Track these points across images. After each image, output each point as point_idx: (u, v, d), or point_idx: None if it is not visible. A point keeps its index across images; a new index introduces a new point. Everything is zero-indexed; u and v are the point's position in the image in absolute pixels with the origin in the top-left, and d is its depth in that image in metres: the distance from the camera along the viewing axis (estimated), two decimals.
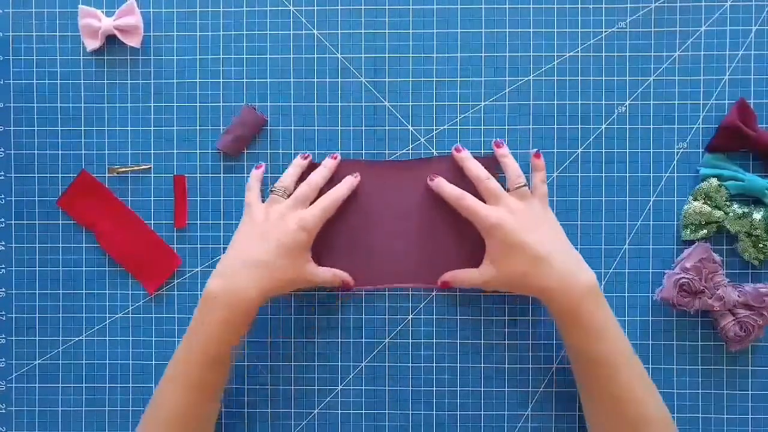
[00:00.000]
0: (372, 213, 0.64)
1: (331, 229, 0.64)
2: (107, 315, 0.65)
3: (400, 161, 0.64)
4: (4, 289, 0.66)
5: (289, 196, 0.61)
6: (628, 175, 0.64)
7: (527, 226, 0.58)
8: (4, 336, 0.66)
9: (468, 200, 0.60)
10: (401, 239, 0.64)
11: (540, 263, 0.57)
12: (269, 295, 0.58)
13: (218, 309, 0.56)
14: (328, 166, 0.63)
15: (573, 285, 0.56)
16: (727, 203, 0.62)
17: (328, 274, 0.62)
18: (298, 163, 0.63)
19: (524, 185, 0.60)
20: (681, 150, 0.64)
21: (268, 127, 0.65)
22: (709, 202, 0.63)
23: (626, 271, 0.64)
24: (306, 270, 0.60)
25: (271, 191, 0.61)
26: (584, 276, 0.57)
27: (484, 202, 0.60)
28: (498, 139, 0.63)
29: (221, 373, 0.58)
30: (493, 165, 0.63)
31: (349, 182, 0.63)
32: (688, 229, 0.63)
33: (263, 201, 0.62)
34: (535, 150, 0.62)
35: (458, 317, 0.65)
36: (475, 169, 0.61)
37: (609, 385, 0.56)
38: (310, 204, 0.61)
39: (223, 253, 0.64)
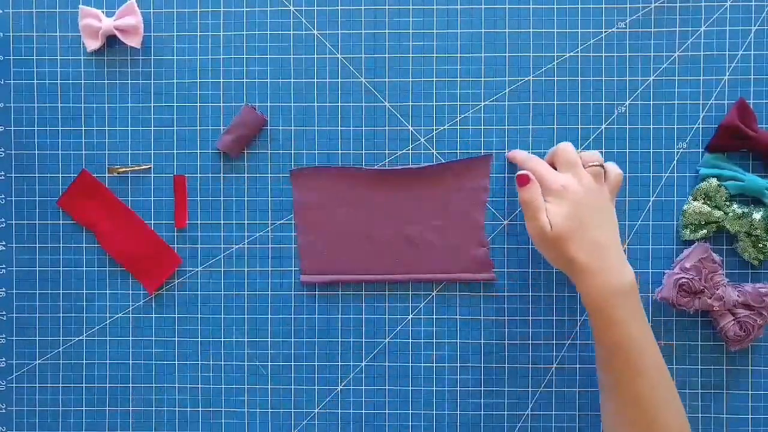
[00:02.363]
0: (371, 211, 0.64)
1: (333, 225, 0.64)
2: (107, 315, 0.65)
3: (397, 169, 0.65)
4: (4, 289, 0.66)
5: None
6: (628, 175, 0.64)
7: (589, 205, 0.56)
8: (4, 336, 0.66)
9: (535, 162, 0.59)
10: (399, 235, 0.64)
11: (590, 245, 0.55)
12: None
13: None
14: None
15: (614, 279, 0.55)
16: (727, 203, 0.62)
17: None
18: None
19: (600, 165, 0.58)
20: (681, 150, 0.64)
21: (268, 127, 0.65)
22: (708, 202, 0.63)
23: None
24: None
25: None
26: (628, 275, 0.56)
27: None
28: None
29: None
30: (486, 165, 0.63)
31: None
32: (688, 229, 0.63)
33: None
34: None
35: (458, 317, 0.65)
36: (561, 145, 0.59)
37: (631, 387, 0.55)
38: None
39: (224, 253, 0.65)
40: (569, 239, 0.55)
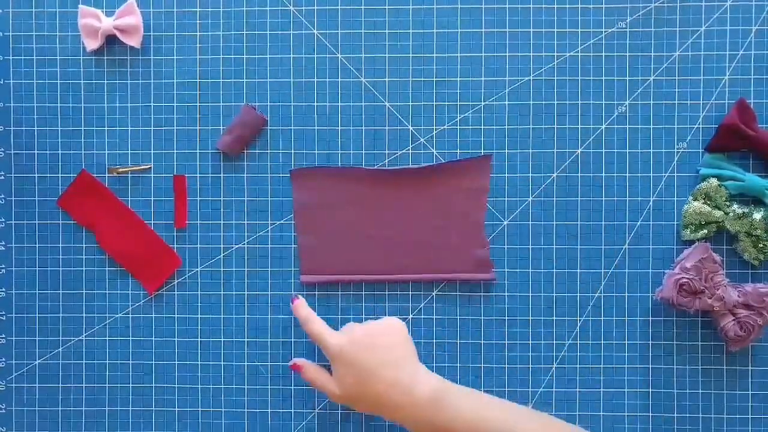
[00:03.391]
0: (371, 211, 0.64)
1: (333, 225, 0.64)
2: (107, 315, 0.65)
3: (396, 169, 0.65)
4: (4, 289, 0.66)
5: None
6: (628, 175, 0.64)
7: (366, 346, 0.57)
8: (4, 336, 0.66)
9: (315, 325, 0.60)
10: (399, 235, 0.64)
11: (380, 382, 0.56)
12: None
13: None
14: None
15: (414, 397, 0.56)
16: (727, 203, 0.62)
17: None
18: None
19: None
20: (681, 150, 0.64)
21: (268, 127, 0.65)
22: (709, 202, 0.63)
23: (626, 271, 0.64)
24: None
25: None
26: (424, 383, 0.56)
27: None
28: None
29: None
30: (486, 165, 0.63)
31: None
32: (688, 229, 0.63)
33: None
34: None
35: (458, 317, 0.65)
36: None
37: None
38: None
39: (224, 253, 0.65)
40: (356, 396, 0.58)
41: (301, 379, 0.65)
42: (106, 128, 0.65)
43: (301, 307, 0.62)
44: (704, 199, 0.63)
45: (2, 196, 0.66)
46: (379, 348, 0.58)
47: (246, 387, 0.65)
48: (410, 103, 0.65)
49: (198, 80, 0.65)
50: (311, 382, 0.60)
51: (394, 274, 0.64)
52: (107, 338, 0.65)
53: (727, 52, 0.64)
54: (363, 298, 0.65)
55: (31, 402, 0.66)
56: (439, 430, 0.56)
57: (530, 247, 0.64)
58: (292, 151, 0.65)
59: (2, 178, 0.66)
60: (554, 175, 0.64)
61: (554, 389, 0.64)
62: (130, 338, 0.65)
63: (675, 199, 0.64)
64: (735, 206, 0.62)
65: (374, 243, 0.64)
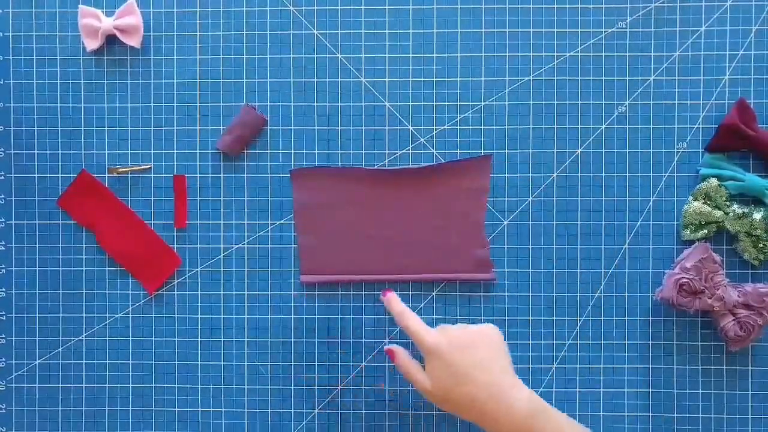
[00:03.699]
0: (371, 211, 0.64)
1: (333, 225, 0.64)
2: (107, 315, 0.65)
3: (396, 169, 0.65)
4: (4, 289, 0.66)
5: None
6: (628, 175, 0.64)
7: (465, 347, 0.56)
8: (4, 336, 0.66)
9: (410, 320, 0.58)
10: (399, 235, 0.64)
11: (477, 387, 0.55)
12: None
13: None
14: None
15: (512, 408, 0.54)
16: (727, 203, 0.62)
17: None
18: None
19: None
20: (681, 150, 0.64)
21: (268, 127, 0.65)
22: (709, 202, 0.63)
23: (626, 271, 0.64)
24: None
25: None
26: (522, 397, 0.55)
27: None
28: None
29: None
30: (486, 165, 0.64)
31: None
32: (688, 229, 0.63)
33: None
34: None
35: (458, 317, 0.65)
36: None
37: None
38: None
39: (224, 253, 0.65)
40: (447, 395, 0.56)
41: (301, 379, 0.65)
42: (106, 128, 0.65)
43: (396, 302, 0.60)
44: (704, 199, 0.63)
45: (2, 196, 0.66)
46: (478, 351, 0.56)
47: (246, 387, 0.65)
48: (410, 103, 0.65)
49: (198, 80, 0.65)
50: (403, 370, 0.59)
51: (394, 274, 0.64)
52: (107, 338, 0.65)
53: (727, 52, 0.64)
54: (363, 298, 0.65)
55: (31, 402, 0.66)
56: None
57: (530, 247, 0.64)
58: (292, 151, 0.65)
59: (2, 178, 0.66)
60: (554, 175, 0.64)
61: (554, 389, 0.64)
62: (130, 338, 0.65)
63: (675, 199, 0.64)
64: (735, 206, 0.62)
65: (374, 243, 0.64)
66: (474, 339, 0.57)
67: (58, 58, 0.65)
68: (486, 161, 0.64)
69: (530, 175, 0.64)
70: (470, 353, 0.56)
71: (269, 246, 0.65)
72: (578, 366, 0.64)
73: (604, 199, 0.64)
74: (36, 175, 0.65)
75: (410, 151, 0.65)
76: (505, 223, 0.65)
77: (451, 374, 0.55)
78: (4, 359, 0.66)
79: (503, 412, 0.54)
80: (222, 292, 0.65)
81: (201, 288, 0.65)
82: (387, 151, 0.65)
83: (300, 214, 0.65)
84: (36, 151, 0.65)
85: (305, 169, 0.64)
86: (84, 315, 0.65)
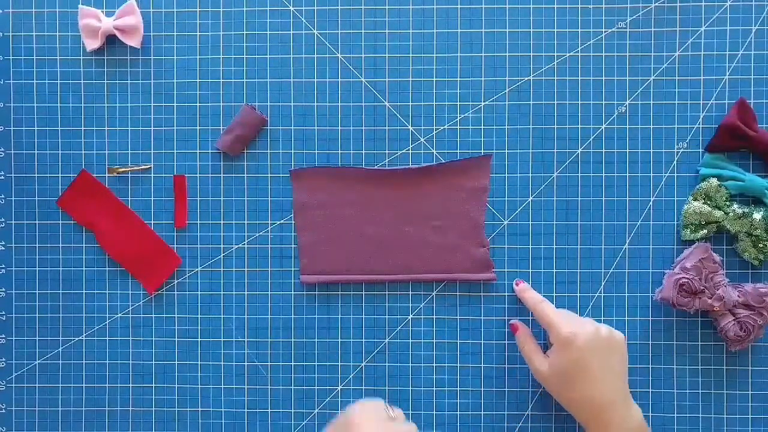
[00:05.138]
0: (371, 211, 0.64)
1: (333, 225, 0.64)
2: (107, 315, 0.65)
3: (397, 169, 0.65)
4: (4, 289, 0.66)
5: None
6: (628, 175, 0.64)
7: (597, 351, 0.56)
8: (4, 336, 0.66)
9: (547, 307, 0.59)
10: (395, 234, 0.64)
11: (596, 396, 0.56)
12: None
13: None
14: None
15: (623, 424, 0.56)
16: (727, 203, 0.62)
17: None
18: None
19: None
20: (681, 150, 0.64)
21: (268, 127, 0.65)
22: (709, 202, 0.63)
23: (626, 271, 0.64)
24: None
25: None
26: (634, 417, 0.56)
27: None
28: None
29: None
30: (486, 165, 0.63)
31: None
32: (688, 229, 0.63)
33: None
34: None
35: (458, 317, 0.65)
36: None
37: None
38: None
39: (224, 253, 0.65)
40: (563, 390, 0.57)
41: (301, 379, 0.65)
42: (106, 128, 0.65)
43: (531, 290, 0.62)
44: (704, 199, 0.63)
45: (2, 196, 0.66)
46: (611, 356, 0.57)
47: (246, 387, 0.65)
48: (410, 103, 0.65)
49: (198, 80, 0.65)
50: (522, 346, 0.61)
51: (394, 274, 0.64)
52: (107, 338, 0.65)
53: (727, 52, 0.64)
54: (363, 298, 0.65)
55: (31, 402, 0.66)
56: None
57: (530, 247, 0.64)
58: (292, 151, 0.65)
59: (2, 178, 0.66)
60: (554, 175, 0.64)
61: None
62: (130, 338, 0.65)
63: (675, 199, 0.64)
64: (735, 206, 0.62)
65: (374, 243, 0.64)
66: (610, 344, 0.57)
67: (58, 58, 0.65)
68: (486, 161, 0.64)
69: (530, 175, 0.64)
70: (604, 356, 0.57)
71: (269, 246, 0.65)
72: None
73: (604, 199, 0.64)
74: (36, 175, 0.65)
75: (410, 151, 0.65)
76: (505, 223, 0.65)
77: (580, 369, 0.56)
78: (4, 359, 0.66)
79: (616, 423, 0.55)
80: (222, 292, 0.65)
81: (201, 288, 0.65)
82: (387, 151, 0.65)
83: (300, 214, 0.65)
84: (36, 151, 0.65)
85: (305, 169, 0.64)
86: (84, 315, 0.65)
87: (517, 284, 0.63)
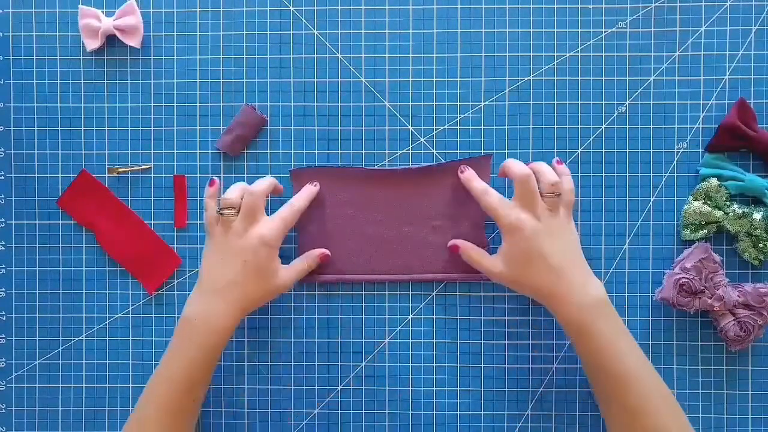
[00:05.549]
0: (372, 211, 0.64)
1: (333, 225, 0.64)
2: (107, 315, 0.65)
3: (397, 168, 0.65)
4: (4, 289, 0.66)
5: (238, 212, 0.59)
6: (628, 175, 0.64)
7: (545, 234, 0.57)
8: (4, 336, 0.66)
9: (491, 197, 0.59)
10: (395, 234, 0.64)
11: (551, 272, 0.57)
12: (245, 314, 0.59)
13: (195, 334, 0.57)
14: (271, 182, 0.61)
15: (581, 297, 0.56)
16: (727, 203, 0.62)
17: (302, 266, 0.62)
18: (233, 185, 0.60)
19: (557, 195, 0.58)
20: (681, 150, 0.64)
21: (268, 127, 0.65)
22: (709, 202, 0.63)
23: (626, 271, 0.64)
24: (278, 280, 0.59)
25: (219, 213, 0.58)
26: (593, 289, 0.57)
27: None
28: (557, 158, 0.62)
29: (200, 396, 0.59)
30: (487, 165, 0.63)
31: (307, 191, 0.62)
32: (688, 229, 0.63)
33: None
34: (557, 159, 0.61)
35: (458, 317, 0.65)
36: (517, 168, 0.59)
37: (622, 397, 0.55)
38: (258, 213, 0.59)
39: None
40: (518, 277, 0.58)
41: (301, 379, 0.65)
42: (106, 128, 0.65)
43: (476, 178, 0.61)
44: (704, 199, 0.63)
45: (2, 196, 0.66)
46: (560, 235, 0.58)
47: (246, 387, 0.65)
48: (410, 103, 0.65)
49: (198, 80, 0.65)
50: (468, 258, 0.62)
51: (394, 274, 0.64)
52: (107, 338, 0.65)
53: (727, 52, 0.64)
54: (363, 298, 0.65)
55: (31, 402, 0.66)
56: (593, 336, 0.56)
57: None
58: (292, 151, 0.65)
59: (2, 178, 0.66)
60: None
61: (554, 389, 0.64)
62: (130, 338, 0.65)
63: (675, 199, 0.64)
64: (735, 206, 0.62)
65: (374, 243, 0.64)
66: (559, 224, 0.58)
67: (58, 58, 0.65)
68: (486, 161, 0.64)
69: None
70: (554, 236, 0.57)
71: None
72: (578, 366, 0.64)
73: (604, 199, 0.64)
74: (36, 175, 0.65)
75: (410, 151, 0.65)
76: None
77: (532, 254, 0.57)
78: (4, 359, 0.66)
79: (575, 301, 0.56)
80: None
81: None
82: (387, 151, 0.65)
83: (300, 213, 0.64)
84: (36, 151, 0.65)
85: (305, 169, 0.64)
86: (84, 315, 0.65)
87: (461, 172, 0.62)
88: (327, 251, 0.63)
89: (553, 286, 0.57)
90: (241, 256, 0.58)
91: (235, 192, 0.59)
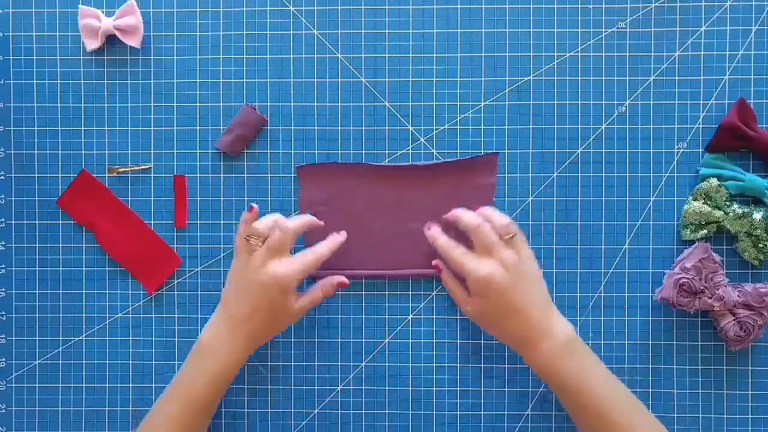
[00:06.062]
0: (378, 207, 0.64)
1: (338, 222, 0.64)
2: (107, 315, 0.65)
3: (403, 165, 0.65)
4: (4, 289, 0.66)
5: (263, 241, 0.58)
6: (628, 175, 0.64)
7: (513, 285, 0.57)
8: (4, 336, 0.66)
9: (455, 253, 0.59)
10: (400, 230, 0.64)
11: (520, 323, 0.57)
12: (253, 349, 0.59)
13: (204, 360, 0.58)
14: (309, 222, 0.61)
15: (549, 341, 0.56)
16: (727, 203, 0.62)
17: (316, 295, 0.60)
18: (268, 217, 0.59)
19: (514, 234, 0.58)
20: (681, 150, 0.64)
21: (268, 127, 0.65)
22: (709, 202, 0.63)
23: (626, 271, 0.64)
24: (288, 318, 0.59)
25: (246, 239, 0.57)
26: (560, 331, 0.57)
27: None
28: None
29: (211, 413, 0.60)
30: (494, 163, 0.63)
31: (333, 241, 0.61)
32: (688, 229, 0.63)
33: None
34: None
35: (458, 317, 0.65)
36: (467, 218, 0.59)
37: (598, 429, 0.56)
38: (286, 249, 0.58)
39: (224, 253, 0.65)
40: (488, 327, 0.60)
41: (301, 379, 0.65)
42: (106, 128, 0.65)
43: (442, 235, 0.61)
44: (704, 199, 0.63)
45: (2, 196, 0.66)
46: (526, 285, 0.57)
47: (246, 387, 0.65)
48: (410, 103, 0.65)
49: (198, 80, 0.65)
50: (446, 286, 0.62)
51: (398, 270, 0.64)
52: (107, 338, 0.65)
53: (727, 52, 0.64)
54: (363, 298, 0.65)
55: (31, 402, 0.66)
56: (564, 377, 0.56)
57: (530, 246, 0.64)
58: (292, 151, 0.65)
59: (2, 178, 0.66)
60: (554, 175, 0.64)
61: None
62: (130, 338, 0.65)
63: (675, 199, 0.64)
64: (735, 206, 0.62)
65: (381, 239, 0.64)
66: (524, 275, 0.57)
67: (58, 58, 0.65)
68: (494, 159, 0.64)
69: (530, 175, 0.64)
70: (521, 288, 0.57)
71: None
72: None
73: (604, 199, 0.64)
74: (36, 175, 0.65)
75: (410, 151, 0.65)
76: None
77: (502, 307, 0.57)
78: (4, 359, 0.66)
79: (546, 347, 0.56)
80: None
81: (201, 288, 0.65)
82: (387, 151, 0.65)
83: (305, 211, 0.64)
84: (36, 151, 0.65)
85: (313, 166, 0.64)
86: (84, 315, 0.65)
87: (428, 228, 0.62)
88: (345, 280, 0.62)
89: (522, 333, 0.57)
90: (255, 290, 0.57)
91: (264, 223, 0.58)
